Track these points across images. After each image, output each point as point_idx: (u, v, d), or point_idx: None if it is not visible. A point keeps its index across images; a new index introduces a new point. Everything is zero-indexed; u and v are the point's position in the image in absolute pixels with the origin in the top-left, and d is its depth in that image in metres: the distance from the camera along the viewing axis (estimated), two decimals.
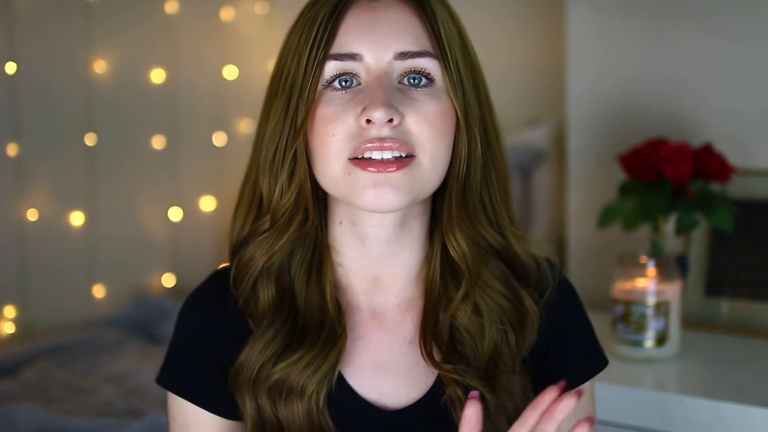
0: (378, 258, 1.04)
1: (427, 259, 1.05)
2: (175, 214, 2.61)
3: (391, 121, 0.94)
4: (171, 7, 2.58)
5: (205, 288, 1.09)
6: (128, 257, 2.50)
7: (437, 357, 1.01)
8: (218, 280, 1.08)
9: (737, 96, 1.91)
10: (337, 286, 1.05)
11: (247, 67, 2.78)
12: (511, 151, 2.58)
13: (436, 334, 1.02)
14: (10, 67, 2.18)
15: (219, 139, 2.74)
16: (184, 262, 2.63)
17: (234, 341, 1.03)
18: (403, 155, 0.95)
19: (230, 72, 2.75)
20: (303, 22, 1.00)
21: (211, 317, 1.05)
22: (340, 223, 1.04)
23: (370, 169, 0.95)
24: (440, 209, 1.03)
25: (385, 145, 0.94)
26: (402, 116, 0.95)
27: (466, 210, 1.01)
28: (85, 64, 2.36)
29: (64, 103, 2.32)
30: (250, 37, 2.82)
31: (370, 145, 0.94)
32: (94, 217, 2.39)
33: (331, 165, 0.97)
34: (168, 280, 2.60)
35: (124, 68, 2.45)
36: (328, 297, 1.03)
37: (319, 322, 1.01)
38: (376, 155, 0.95)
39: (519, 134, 2.70)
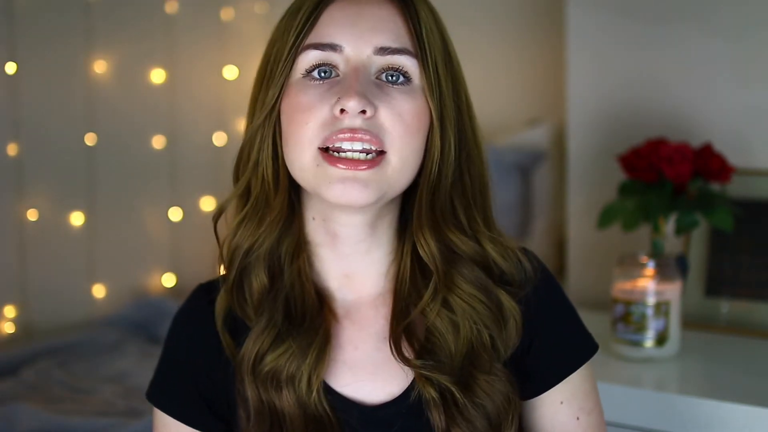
0: (349, 256, 1.05)
1: (396, 258, 1.05)
2: (175, 214, 2.61)
3: (364, 112, 0.95)
4: (171, 7, 2.58)
5: (190, 305, 1.10)
6: (128, 257, 2.50)
7: (409, 355, 1.01)
8: (202, 294, 1.10)
9: (737, 96, 1.91)
10: (315, 281, 1.06)
11: (247, 67, 2.78)
12: (511, 151, 2.59)
13: (409, 332, 1.02)
14: (10, 67, 2.18)
15: (219, 139, 2.74)
16: (184, 262, 2.63)
17: (220, 357, 1.05)
18: (374, 148, 0.96)
19: (230, 72, 2.75)
20: (288, 12, 1.02)
21: (198, 335, 1.07)
22: (313, 219, 1.05)
23: (339, 165, 0.95)
24: (411, 209, 1.03)
25: (356, 136, 0.95)
26: (375, 109, 0.96)
27: (434, 212, 1.01)
28: (85, 64, 2.36)
29: (64, 103, 2.32)
30: (250, 37, 2.82)
31: (341, 135, 0.95)
32: (94, 217, 2.39)
33: (303, 153, 0.98)
34: (168, 280, 2.59)
35: (124, 68, 2.44)
36: (308, 290, 1.04)
37: (302, 314, 1.03)
38: (346, 145, 0.95)
39: (519, 134, 2.70)
